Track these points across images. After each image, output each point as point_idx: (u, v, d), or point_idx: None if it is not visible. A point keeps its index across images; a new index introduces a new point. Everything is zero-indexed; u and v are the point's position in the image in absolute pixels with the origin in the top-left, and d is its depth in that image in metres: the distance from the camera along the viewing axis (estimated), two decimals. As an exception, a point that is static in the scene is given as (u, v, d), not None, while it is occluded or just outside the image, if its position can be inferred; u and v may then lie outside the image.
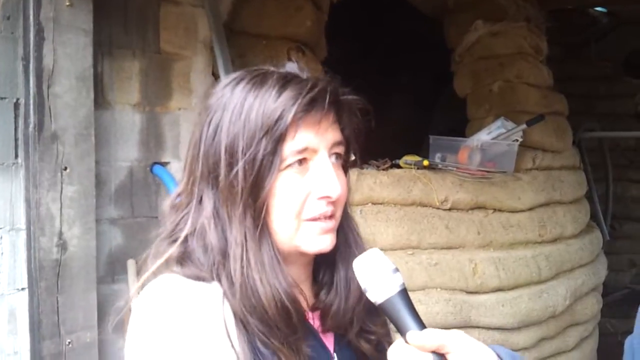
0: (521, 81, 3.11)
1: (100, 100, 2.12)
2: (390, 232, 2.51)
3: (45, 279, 1.89)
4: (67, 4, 1.90)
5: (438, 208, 2.63)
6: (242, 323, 0.80)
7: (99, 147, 2.07)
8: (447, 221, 2.62)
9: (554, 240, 2.95)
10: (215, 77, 2.40)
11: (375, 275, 0.78)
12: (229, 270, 0.81)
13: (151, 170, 2.27)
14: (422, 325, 0.75)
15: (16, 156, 1.92)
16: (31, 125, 1.87)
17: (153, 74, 2.26)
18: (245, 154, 0.81)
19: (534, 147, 3.03)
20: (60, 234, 1.92)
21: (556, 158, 3.16)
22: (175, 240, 0.86)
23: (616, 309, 4.01)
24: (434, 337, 0.73)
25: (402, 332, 0.75)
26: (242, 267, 0.81)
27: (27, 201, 1.90)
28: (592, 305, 3.12)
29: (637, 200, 5.03)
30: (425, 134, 3.27)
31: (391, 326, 0.80)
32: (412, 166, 2.70)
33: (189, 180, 0.88)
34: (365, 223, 2.49)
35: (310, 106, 0.81)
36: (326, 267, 0.94)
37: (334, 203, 0.85)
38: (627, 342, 0.98)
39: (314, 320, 0.91)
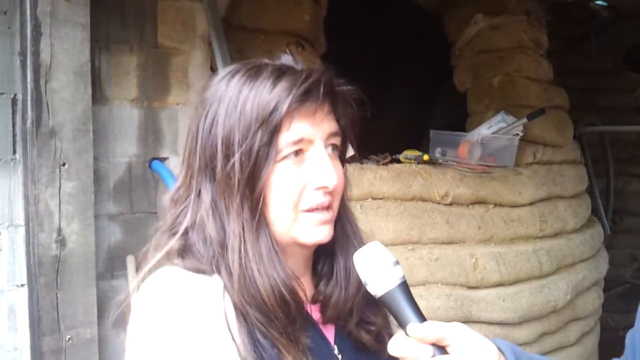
0: (521, 75, 3.10)
1: (98, 95, 2.11)
2: (390, 227, 2.50)
3: (45, 275, 1.89)
4: (64, -2, 1.89)
5: (438, 203, 2.62)
6: (242, 315, 0.80)
7: (97, 142, 2.06)
8: (448, 216, 2.61)
9: (555, 235, 2.95)
10: (214, 71, 2.38)
11: (375, 268, 0.78)
12: (228, 262, 0.82)
13: (150, 165, 2.26)
14: (422, 318, 0.75)
15: (14, 152, 1.91)
16: (29, 121, 1.87)
17: (151, 69, 2.26)
18: (241, 146, 0.81)
19: (534, 141, 3.02)
20: (59, 230, 1.92)
21: (557, 152, 3.15)
22: (175, 234, 0.87)
23: (617, 304, 4.00)
24: (434, 330, 0.73)
25: (402, 324, 0.75)
26: (240, 258, 0.81)
27: (26, 197, 1.90)
28: (594, 300, 3.12)
29: (638, 195, 5.01)
30: (425, 128, 3.26)
31: (392, 319, 0.80)
32: (412, 161, 2.69)
33: (187, 174, 0.89)
34: (366, 218, 2.48)
35: (304, 97, 0.82)
36: (325, 258, 0.94)
37: (330, 193, 0.86)
38: (629, 336, 0.98)
39: (315, 312, 0.91)
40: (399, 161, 2.75)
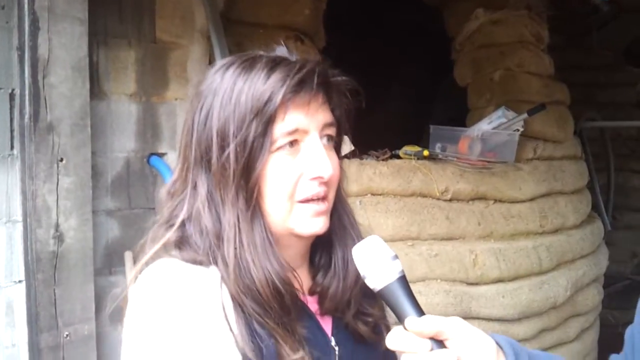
0: (522, 70, 3.09)
1: (96, 90, 2.10)
2: (390, 223, 2.49)
3: (42, 271, 1.89)
4: (62, -8, 1.88)
5: (438, 199, 2.62)
6: (239, 305, 0.81)
7: (95, 138, 2.06)
8: (448, 212, 2.61)
9: (555, 231, 2.94)
10: (213, 66, 2.37)
11: (374, 262, 0.78)
12: (224, 253, 0.82)
13: (148, 161, 2.25)
14: (420, 312, 0.75)
15: (12, 147, 1.91)
16: (27, 116, 1.86)
17: (149, 64, 2.25)
18: (236, 137, 0.82)
19: (535, 136, 3.01)
20: (57, 225, 1.91)
21: (557, 148, 3.14)
22: (172, 226, 0.87)
23: (617, 300, 4.00)
24: (432, 324, 0.73)
25: (400, 318, 0.76)
26: (235, 249, 0.82)
27: (23, 193, 1.89)
28: (593, 296, 3.12)
29: (639, 191, 5.00)
30: (425, 123, 3.25)
31: (389, 311, 0.81)
32: (412, 156, 2.69)
33: (183, 167, 0.89)
34: (365, 214, 2.47)
35: (298, 87, 0.82)
36: (323, 250, 0.95)
37: (326, 184, 0.86)
38: (628, 331, 0.98)
39: (312, 304, 0.92)
40: (398, 157, 2.74)
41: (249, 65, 0.85)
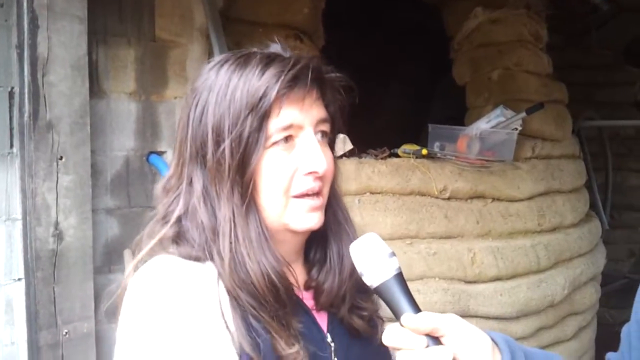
0: (521, 69, 3.09)
1: (96, 89, 2.10)
2: (388, 221, 2.50)
3: (42, 269, 1.89)
4: (61, -10, 1.88)
5: (437, 197, 2.62)
6: (235, 300, 0.81)
7: (94, 136, 2.06)
8: (446, 210, 2.61)
9: (553, 230, 2.95)
10: (212, 65, 2.37)
11: (371, 259, 0.78)
12: (219, 247, 0.83)
13: (147, 159, 2.26)
14: (417, 309, 0.76)
15: (11, 146, 1.91)
16: (26, 115, 1.86)
17: (149, 62, 2.25)
18: (231, 132, 0.83)
19: (533, 135, 3.01)
20: (57, 224, 1.92)
21: (556, 147, 3.14)
22: (167, 222, 0.88)
23: (615, 299, 4.01)
24: (428, 320, 0.74)
25: (397, 315, 0.76)
26: (230, 243, 0.83)
27: (23, 191, 1.89)
28: (591, 295, 3.12)
29: (636, 190, 5.01)
30: (424, 122, 3.25)
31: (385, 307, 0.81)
32: (411, 155, 2.69)
33: (178, 163, 0.90)
34: (364, 212, 2.48)
35: (293, 83, 0.83)
36: (317, 245, 0.96)
37: (321, 179, 0.87)
38: (625, 330, 0.98)
39: (307, 299, 0.92)
40: (397, 155, 2.74)
41: (243, 61, 0.86)
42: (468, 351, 0.74)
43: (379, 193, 2.56)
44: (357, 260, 0.80)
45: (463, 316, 0.78)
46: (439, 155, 2.80)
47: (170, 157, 2.29)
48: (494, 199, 2.76)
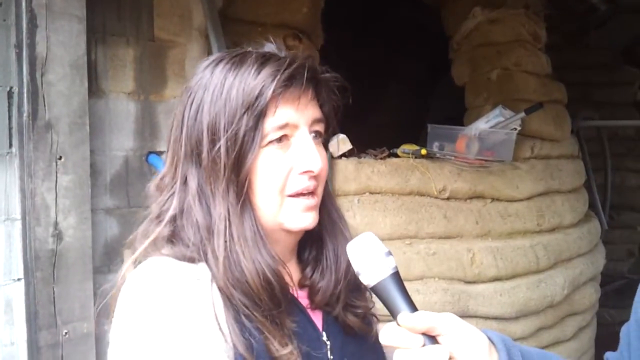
0: (519, 69, 3.09)
1: (95, 88, 2.10)
2: (387, 221, 2.50)
3: (41, 270, 1.88)
4: (60, -10, 1.87)
5: (436, 197, 2.62)
6: (228, 300, 0.81)
7: (93, 136, 2.05)
8: (445, 210, 2.61)
9: (553, 230, 2.95)
10: (211, 65, 2.37)
11: (368, 258, 0.79)
12: (214, 246, 0.83)
13: (146, 159, 2.25)
14: (413, 308, 0.76)
15: (10, 145, 1.90)
16: (25, 114, 1.85)
17: (147, 62, 2.24)
18: (227, 131, 0.83)
19: (532, 135, 3.01)
20: (56, 224, 1.91)
21: (555, 147, 3.14)
22: (162, 221, 0.88)
23: (614, 299, 4.01)
24: (424, 319, 0.74)
25: (394, 314, 0.76)
26: (225, 242, 0.83)
27: (22, 191, 1.89)
28: (590, 295, 3.12)
29: (635, 190, 5.02)
30: (423, 122, 3.25)
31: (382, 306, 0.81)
32: (410, 155, 2.69)
33: (172, 161, 0.90)
34: (363, 212, 2.48)
35: (288, 82, 0.84)
36: (312, 244, 0.96)
37: (315, 178, 0.87)
38: (624, 329, 0.98)
39: (303, 298, 0.93)
40: (396, 155, 2.74)
41: (239, 60, 0.86)
42: (464, 350, 0.74)
43: (378, 193, 2.56)
44: (353, 260, 0.80)
45: (462, 316, 0.78)
46: (438, 155, 2.80)
47: (169, 157, 2.29)
48: (493, 199, 2.76)
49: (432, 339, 0.74)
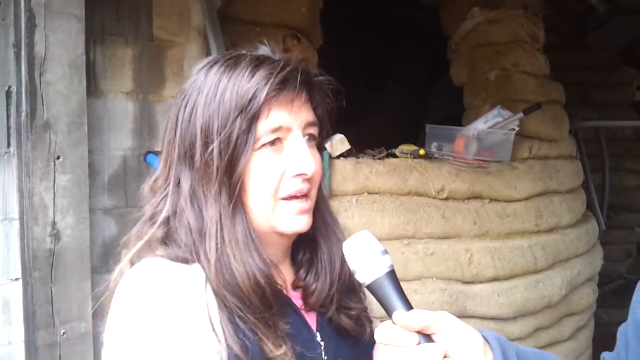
0: (518, 70, 3.10)
1: (93, 88, 2.10)
2: (386, 222, 2.50)
3: (39, 270, 1.88)
4: (59, -10, 1.87)
5: (434, 198, 2.62)
6: (222, 301, 0.81)
7: (92, 136, 2.05)
8: (444, 211, 2.61)
9: (551, 230, 2.95)
10: (210, 65, 2.37)
11: (364, 257, 0.79)
12: (206, 249, 0.83)
13: (145, 159, 2.25)
14: (409, 307, 0.76)
15: (9, 145, 1.90)
16: (23, 114, 1.85)
17: (146, 62, 2.24)
18: (220, 134, 0.83)
19: (530, 136, 3.02)
20: (54, 224, 1.91)
21: (553, 147, 3.15)
22: (155, 223, 0.88)
23: (612, 299, 4.02)
24: (420, 318, 0.74)
25: (389, 313, 0.77)
26: (217, 244, 0.83)
27: (20, 191, 1.89)
28: (588, 296, 3.13)
29: (634, 190, 5.03)
30: (421, 122, 3.25)
31: (377, 306, 0.82)
32: (409, 156, 2.69)
33: (166, 163, 0.90)
34: (361, 213, 2.48)
35: (282, 85, 0.84)
36: (306, 246, 0.96)
37: (309, 181, 0.88)
38: (621, 329, 0.98)
39: (297, 300, 0.93)
40: (395, 156, 2.74)
41: (233, 63, 0.86)
42: (460, 349, 0.74)
43: (376, 193, 2.56)
44: (349, 258, 0.80)
45: (460, 317, 0.78)
46: (436, 155, 2.81)
47: (168, 157, 2.29)
48: (491, 200, 2.77)
49: (428, 338, 0.74)
